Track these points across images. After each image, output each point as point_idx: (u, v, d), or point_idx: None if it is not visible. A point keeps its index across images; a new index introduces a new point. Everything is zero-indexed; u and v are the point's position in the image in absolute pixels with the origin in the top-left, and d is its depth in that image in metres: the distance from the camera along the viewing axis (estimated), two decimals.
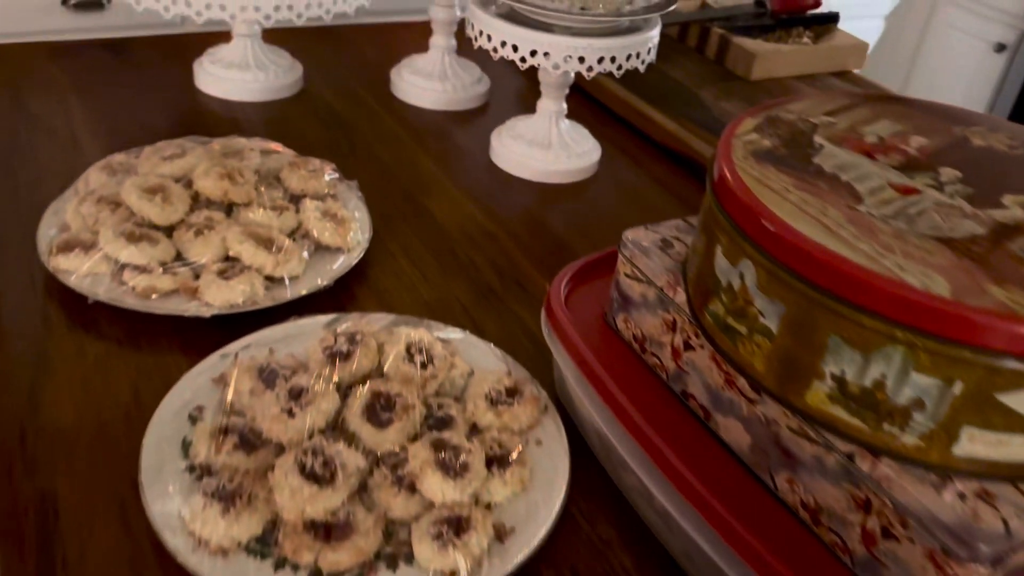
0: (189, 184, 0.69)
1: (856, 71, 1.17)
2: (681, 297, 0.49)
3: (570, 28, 0.80)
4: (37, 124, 0.85)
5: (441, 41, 1.01)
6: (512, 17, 0.81)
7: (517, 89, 1.09)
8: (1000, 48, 2.50)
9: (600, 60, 0.79)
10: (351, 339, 0.56)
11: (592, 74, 0.80)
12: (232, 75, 0.94)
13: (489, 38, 0.81)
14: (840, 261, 0.37)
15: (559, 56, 0.79)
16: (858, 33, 2.71)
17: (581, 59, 0.79)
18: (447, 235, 0.78)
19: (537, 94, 0.89)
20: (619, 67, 0.80)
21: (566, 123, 0.91)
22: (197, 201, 0.68)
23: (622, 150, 0.97)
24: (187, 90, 0.96)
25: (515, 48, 0.80)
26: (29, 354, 0.59)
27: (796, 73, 1.12)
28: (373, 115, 0.98)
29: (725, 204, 0.43)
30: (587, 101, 1.06)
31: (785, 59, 1.10)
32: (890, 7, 2.67)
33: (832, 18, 1.20)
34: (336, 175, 0.76)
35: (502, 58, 0.81)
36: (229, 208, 0.69)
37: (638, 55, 0.81)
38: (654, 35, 0.82)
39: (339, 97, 1.00)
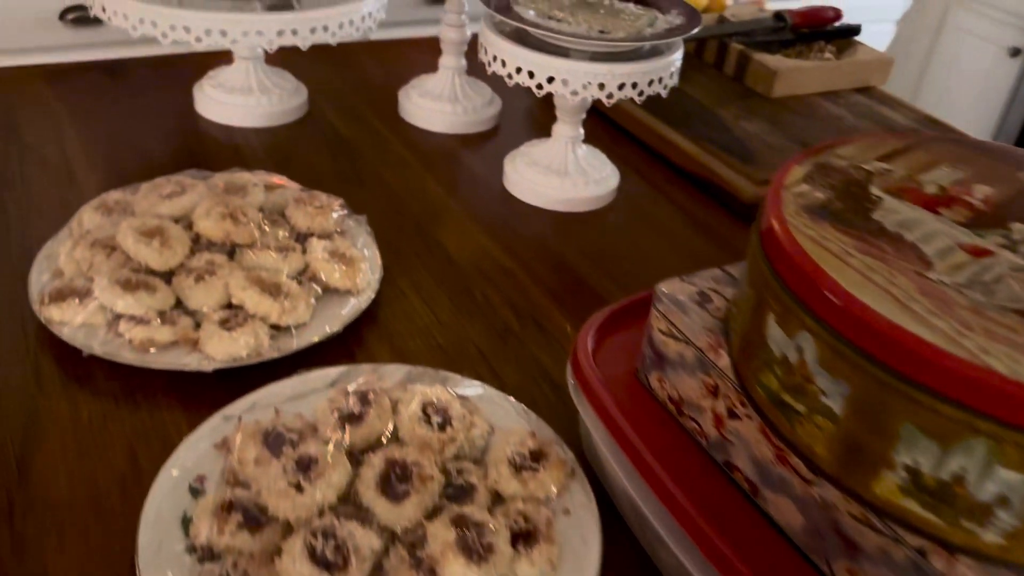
0: (189, 225, 0.65)
1: (880, 86, 1.13)
2: (725, 362, 0.45)
3: (588, 53, 0.76)
4: (30, 154, 0.82)
5: (451, 62, 0.97)
6: (525, 40, 0.77)
7: (528, 109, 1.05)
8: (1015, 52, 2.45)
9: (621, 86, 0.75)
10: (363, 398, 0.52)
11: (612, 101, 0.76)
12: (234, 100, 0.90)
13: (504, 64, 0.77)
14: (916, 342, 0.33)
15: (578, 83, 0.75)
16: (869, 38, 2.67)
17: (601, 85, 0.75)
18: (461, 271, 0.75)
19: (550, 113, 0.85)
20: (641, 93, 0.76)
21: (583, 148, 0.87)
22: (198, 243, 0.65)
23: (640, 174, 0.93)
24: (187, 115, 0.93)
25: (531, 75, 0.76)
26: (19, 415, 0.55)
27: (818, 90, 1.08)
28: (381, 139, 0.94)
29: (778, 267, 0.39)
30: (602, 122, 1.02)
31: (807, 76, 1.06)
32: (901, 11, 2.63)
33: (853, 31, 1.16)
34: (344, 211, 0.72)
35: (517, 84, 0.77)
36: (232, 250, 0.65)
37: (660, 80, 0.77)
38: (677, 58, 0.78)
39: (345, 120, 0.97)
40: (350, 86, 1.04)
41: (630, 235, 0.83)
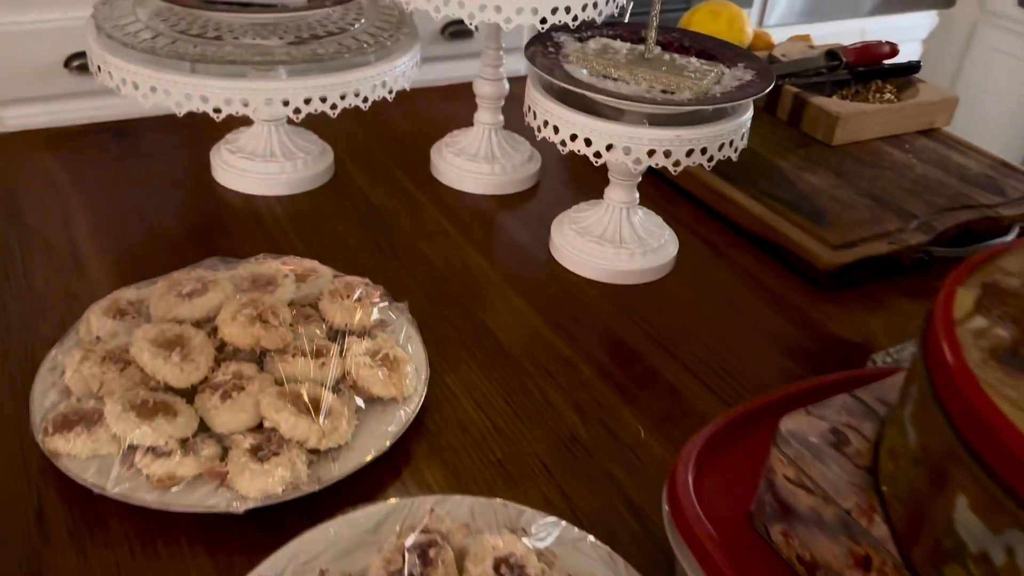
0: (213, 329, 0.57)
1: (945, 127, 1.05)
2: (882, 532, 0.36)
3: (649, 115, 0.68)
4: (32, 237, 0.74)
5: (487, 117, 0.89)
6: (571, 99, 0.69)
7: (567, 161, 0.97)
8: None
9: (689, 153, 0.67)
10: (424, 556, 0.44)
11: (680, 168, 0.68)
12: (255, 167, 0.83)
13: (556, 130, 0.69)
14: None
15: (642, 151, 0.67)
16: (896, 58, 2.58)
17: (667, 153, 0.67)
18: (513, 362, 0.66)
19: (592, 167, 0.77)
20: (711, 159, 0.69)
21: (640, 214, 0.79)
22: (223, 351, 0.57)
23: (698, 235, 0.85)
24: (203, 183, 0.85)
25: (588, 142, 0.68)
26: (18, 572, 0.47)
27: (881, 134, 1.00)
28: (414, 204, 0.86)
29: (972, 437, 0.31)
30: (652, 177, 0.94)
31: (870, 120, 0.98)
32: (928, 31, 2.56)
33: (912, 68, 1.08)
34: (384, 303, 0.64)
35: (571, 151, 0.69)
36: (261, 356, 0.57)
37: (732, 143, 0.69)
38: (748, 118, 0.70)
39: (374, 183, 0.89)
40: (378, 143, 0.96)
41: (695, 309, 0.75)
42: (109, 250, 0.73)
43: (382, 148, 0.96)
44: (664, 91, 0.69)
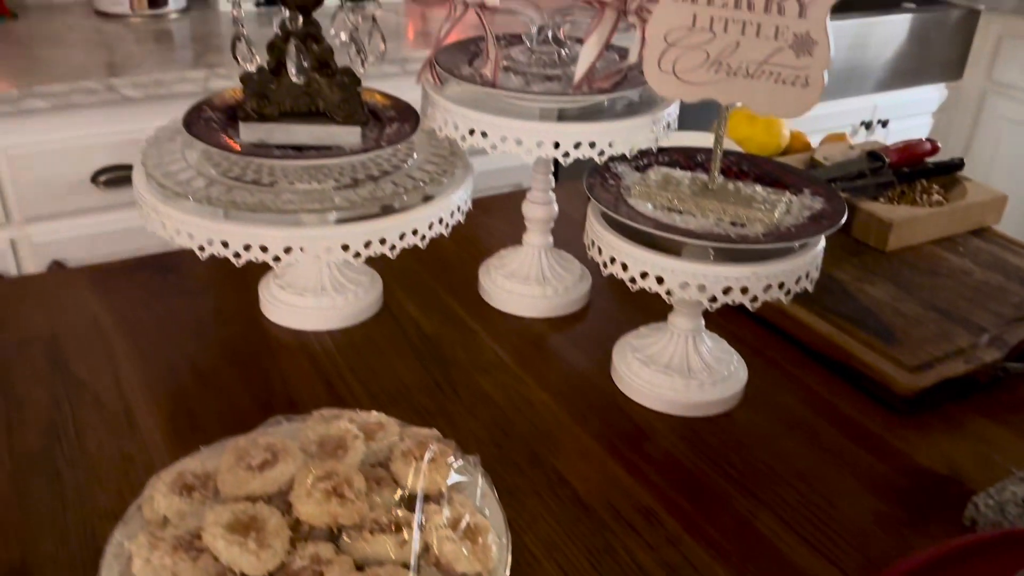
0: (287, 505, 0.54)
1: (995, 225, 1.03)
2: None
3: (719, 251, 0.66)
4: (82, 391, 0.72)
5: (537, 239, 0.88)
6: (635, 232, 0.67)
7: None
8: None
9: (767, 288, 0.65)
10: None
11: (757, 305, 0.66)
12: (306, 302, 0.81)
13: (625, 267, 0.67)
14: None
15: (717, 288, 0.65)
16: (907, 132, 2.61)
17: (744, 289, 0.65)
18: (594, 516, 0.63)
19: None
20: (787, 292, 0.66)
21: (708, 341, 0.76)
22: (298, 530, 0.53)
23: (763, 357, 0.83)
24: (253, 320, 0.83)
25: (660, 280, 0.66)
26: None
27: (934, 237, 0.98)
28: (468, 334, 0.84)
29: None
30: None
31: (922, 225, 0.96)
32: (937, 104, 2.58)
33: (956, 166, 1.07)
34: (458, 461, 0.61)
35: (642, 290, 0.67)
36: (336, 532, 0.54)
37: (808, 275, 0.67)
38: (821, 248, 0.68)
39: (425, 311, 0.87)
40: (424, 266, 0.94)
41: (772, 441, 0.72)
42: (162, 404, 0.71)
43: (429, 271, 0.94)
44: (733, 223, 0.67)
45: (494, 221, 1.07)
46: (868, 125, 2.44)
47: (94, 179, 1.44)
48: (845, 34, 2.24)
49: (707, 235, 0.65)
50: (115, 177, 1.45)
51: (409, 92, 0.83)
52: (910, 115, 2.54)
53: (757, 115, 1.12)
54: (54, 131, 1.39)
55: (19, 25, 1.68)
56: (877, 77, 2.39)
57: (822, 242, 0.68)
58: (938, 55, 2.49)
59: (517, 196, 0.95)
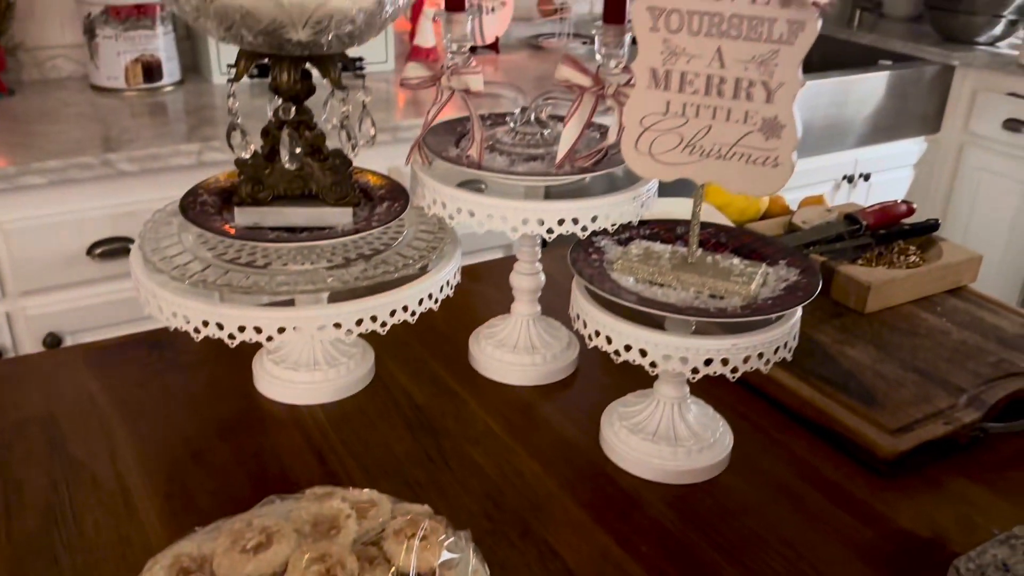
0: None
1: (971, 284, 1.06)
2: None
3: (700, 324, 0.68)
4: (79, 472, 0.73)
5: (525, 309, 0.90)
6: (620, 305, 0.69)
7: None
8: None
9: (746, 359, 0.67)
10: None
11: (738, 374, 0.68)
12: (299, 377, 0.82)
13: (609, 340, 0.69)
14: None
15: (698, 359, 0.67)
16: (889, 185, 2.66)
17: (725, 361, 0.67)
18: None
19: None
20: (767, 362, 0.68)
21: (693, 408, 0.78)
22: None
23: (748, 420, 0.84)
24: (246, 396, 0.84)
25: (643, 352, 0.68)
26: None
27: (912, 298, 1.01)
28: (458, 404, 0.85)
29: None
30: None
31: (900, 287, 0.99)
32: (917, 156, 2.64)
33: (931, 227, 1.10)
34: (450, 537, 0.62)
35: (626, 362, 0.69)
36: None
37: (786, 345, 0.69)
38: (798, 318, 0.71)
39: (417, 381, 0.88)
40: (416, 335, 0.96)
41: (758, 508, 0.73)
42: (158, 483, 0.72)
43: (420, 340, 0.96)
44: (712, 295, 0.70)
45: (483, 288, 1.10)
46: (851, 179, 2.49)
47: (89, 251, 1.46)
48: (826, 92, 2.30)
49: (688, 309, 0.67)
50: (110, 249, 1.47)
51: (400, 159, 0.86)
52: (891, 168, 2.59)
53: None
54: (51, 205, 1.42)
55: (16, 101, 1.72)
56: (858, 132, 2.45)
57: (798, 313, 0.71)
58: (916, 110, 2.56)
59: (506, 263, 0.98)
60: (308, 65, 0.73)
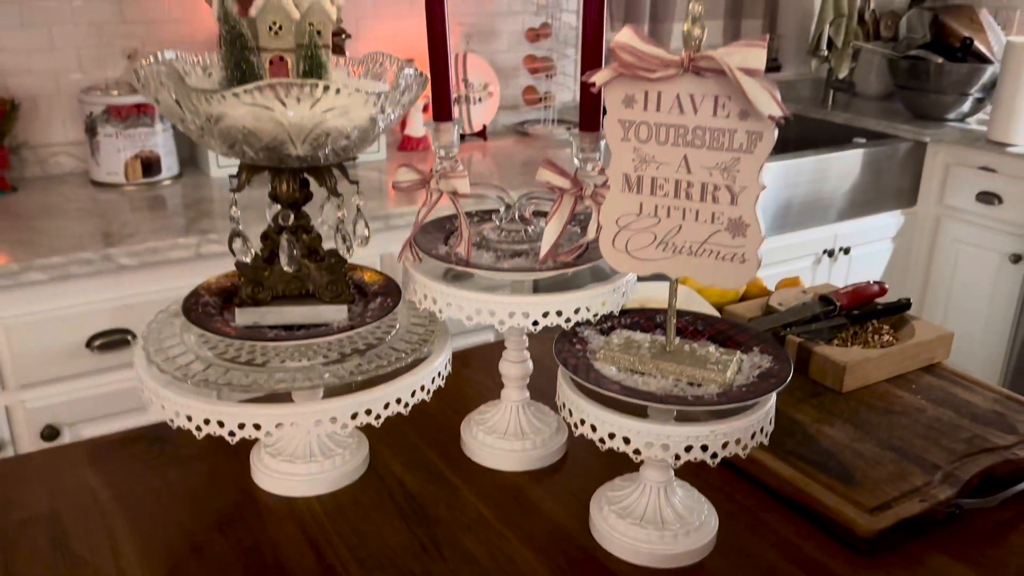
0: None
1: (944, 361, 1.10)
2: None
3: (677, 413, 0.72)
4: (81, 569, 0.75)
5: (514, 395, 0.93)
6: (598, 395, 0.73)
7: None
8: (1016, 259, 2.50)
9: (725, 445, 0.70)
10: None
11: (717, 460, 0.71)
12: (295, 469, 0.85)
13: (594, 428, 0.73)
14: None
15: (680, 447, 0.70)
16: (869, 258, 2.73)
17: (704, 447, 0.70)
18: None
19: None
20: (745, 447, 0.72)
21: (679, 491, 0.81)
22: None
23: (732, 501, 0.87)
24: (244, 488, 0.87)
25: (627, 440, 0.71)
26: None
27: (887, 376, 1.04)
28: (451, 492, 0.88)
29: None
30: None
31: (875, 365, 1.03)
32: (895, 229, 2.71)
33: (904, 307, 1.14)
34: None
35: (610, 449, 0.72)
36: None
37: (762, 430, 0.73)
38: (772, 403, 0.74)
39: (410, 469, 0.91)
40: (409, 423, 0.98)
41: None
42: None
43: (413, 428, 0.98)
44: (690, 383, 0.73)
45: (474, 374, 1.13)
46: (831, 253, 2.56)
47: (88, 344, 1.50)
48: (805, 170, 2.39)
49: (667, 397, 0.71)
50: (109, 341, 1.51)
51: (392, 245, 0.90)
52: (871, 241, 2.67)
53: None
54: (51, 300, 1.46)
55: (19, 198, 1.78)
56: (837, 207, 2.53)
57: (772, 399, 0.74)
58: (892, 185, 2.65)
59: (495, 348, 1.02)
60: (305, 174, 0.78)
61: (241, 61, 0.68)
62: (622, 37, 0.65)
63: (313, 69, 0.70)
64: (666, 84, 0.66)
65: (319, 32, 0.70)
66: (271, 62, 0.70)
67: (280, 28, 0.69)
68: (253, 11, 0.68)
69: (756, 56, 0.61)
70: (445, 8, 0.77)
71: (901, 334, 1.10)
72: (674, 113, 0.67)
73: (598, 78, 0.68)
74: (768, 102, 0.61)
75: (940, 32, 2.85)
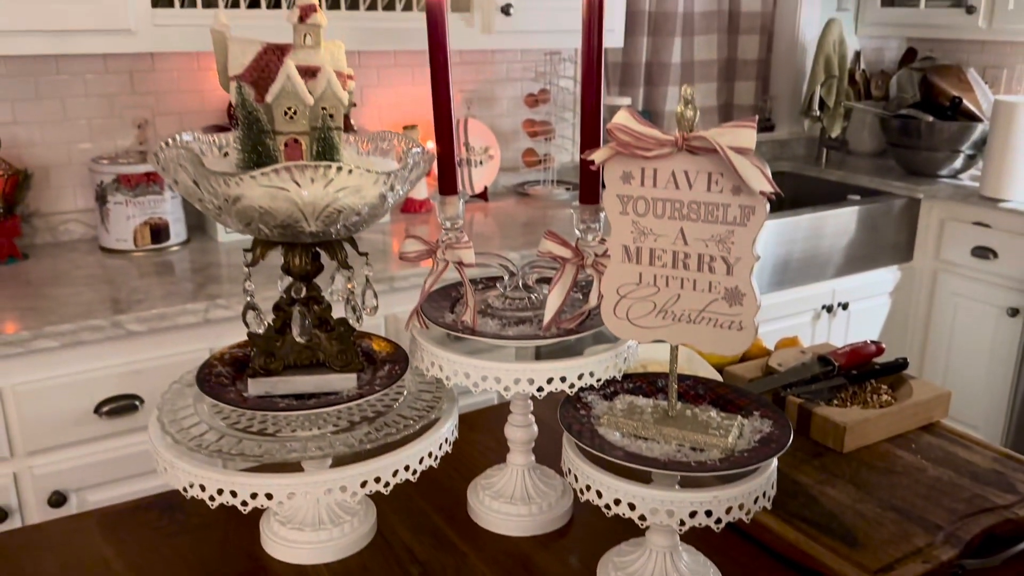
0: None
1: (943, 419, 1.11)
2: None
3: (681, 478, 0.73)
4: None
5: (520, 459, 0.95)
6: (603, 461, 0.74)
7: None
8: (1014, 312, 2.52)
9: (728, 510, 0.72)
10: None
11: (721, 525, 0.72)
12: (305, 537, 0.86)
13: (600, 494, 0.74)
14: None
15: (684, 512, 0.71)
16: (867, 313, 2.75)
17: (708, 512, 0.71)
18: None
19: None
20: (748, 512, 0.73)
21: (684, 557, 0.81)
22: None
23: (737, 563, 0.87)
24: (254, 556, 0.87)
25: (632, 506, 0.72)
26: None
27: (887, 436, 1.06)
28: (458, 558, 0.89)
29: None
30: None
31: (875, 426, 1.04)
32: (893, 284, 2.74)
33: (901, 366, 1.16)
34: None
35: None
36: None
37: (764, 494, 0.74)
38: (774, 468, 0.76)
39: (417, 535, 0.92)
40: (416, 488, 0.99)
41: None
42: None
43: (420, 493, 1.00)
44: (693, 448, 0.75)
45: (480, 437, 1.14)
46: (830, 309, 2.58)
47: (97, 410, 1.51)
48: (802, 227, 2.43)
49: (671, 463, 0.72)
50: (117, 407, 1.52)
51: (396, 307, 0.92)
52: (869, 297, 2.69)
53: None
54: (61, 367, 1.48)
55: (29, 265, 1.81)
56: (834, 263, 2.56)
57: (774, 463, 0.76)
58: (887, 240, 2.69)
59: (500, 411, 1.03)
60: (317, 248, 0.81)
61: (258, 144, 0.71)
62: (619, 119, 0.68)
63: (326, 150, 0.73)
64: (662, 162, 0.69)
65: (331, 115, 0.74)
66: (286, 144, 0.74)
67: (295, 113, 0.72)
68: (269, 97, 0.72)
69: (746, 136, 0.64)
70: (451, 92, 0.81)
71: (899, 393, 1.12)
72: (670, 188, 0.70)
73: (597, 156, 0.71)
74: (759, 179, 0.64)
75: (929, 91, 2.92)
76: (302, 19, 0.74)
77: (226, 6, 1.80)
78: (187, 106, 2.08)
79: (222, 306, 1.58)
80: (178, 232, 1.93)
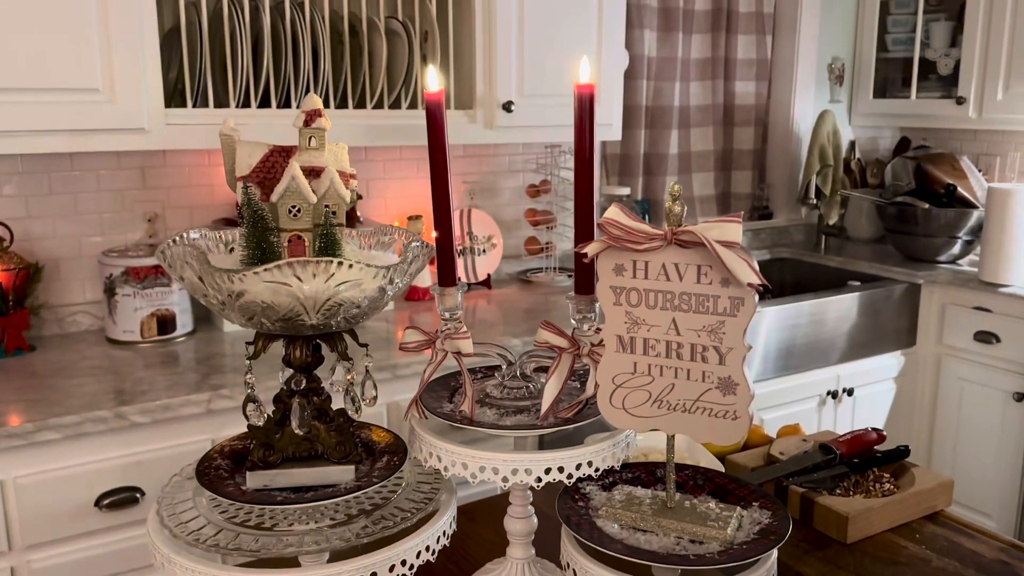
0: None
1: (946, 508, 1.10)
2: None
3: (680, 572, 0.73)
4: None
5: (519, 553, 0.94)
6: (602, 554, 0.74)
7: None
8: (1020, 397, 2.51)
9: None
10: None
11: None
12: None
13: None
14: None
15: None
16: (873, 398, 2.74)
17: None
18: None
19: None
20: None
21: None
22: None
23: None
24: None
25: None
26: None
27: (890, 526, 1.05)
28: None
29: None
30: None
31: (878, 515, 1.03)
32: (897, 370, 2.74)
33: (902, 454, 1.16)
34: None
35: None
36: None
37: None
38: (774, 559, 0.75)
39: None
40: None
41: None
42: None
43: None
44: (692, 540, 0.74)
45: (479, 529, 1.13)
46: (835, 395, 2.57)
47: (97, 503, 1.50)
48: (804, 313, 2.44)
49: (670, 556, 0.72)
50: (118, 500, 1.51)
51: (397, 394, 0.93)
52: (874, 382, 2.68)
53: None
54: (63, 459, 1.48)
55: (36, 357, 1.82)
56: (838, 349, 2.56)
57: (774, 555, 0.75)
58: (890, 325, 2.69)
59: (499, 501, 1.02)
60: (318, 340, 0.82)
61: (262, 241, 0.73)
62: (610, 214, 0.71)
63: (328, 246, 0.76)
64: (652, 254, 0.72)
65: (334, 212, 0.77)
66: (290, 240, 0.76)
67: (299, 211, 0.75)
68: (274, 196, 0.75)
69: (733, 231, 0.66)
70: (450, 188, 0.84)
71: (902, 482, 1.11)
72: (661, 280, 0.72)
73: (590, 250, 0.73)
74: (746, 271, 0.66)
75: (924, 179, 2.98)
76: (307, 123, 0.78)
77: (237, 105, 1.86)
78: (197, 200, 2.13)
79: (226, 396, 1.59)
80: (184, 323, 1.95)
